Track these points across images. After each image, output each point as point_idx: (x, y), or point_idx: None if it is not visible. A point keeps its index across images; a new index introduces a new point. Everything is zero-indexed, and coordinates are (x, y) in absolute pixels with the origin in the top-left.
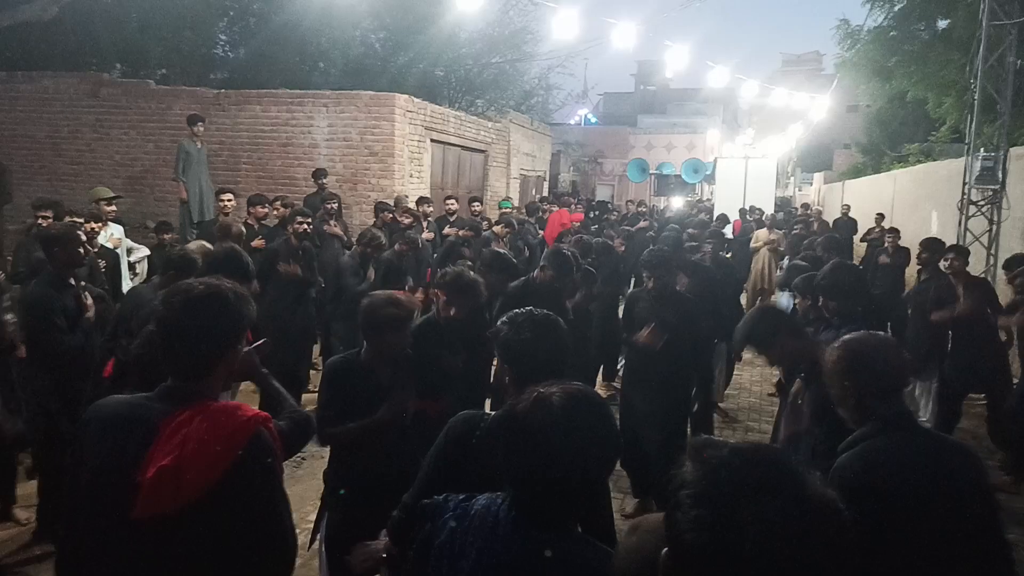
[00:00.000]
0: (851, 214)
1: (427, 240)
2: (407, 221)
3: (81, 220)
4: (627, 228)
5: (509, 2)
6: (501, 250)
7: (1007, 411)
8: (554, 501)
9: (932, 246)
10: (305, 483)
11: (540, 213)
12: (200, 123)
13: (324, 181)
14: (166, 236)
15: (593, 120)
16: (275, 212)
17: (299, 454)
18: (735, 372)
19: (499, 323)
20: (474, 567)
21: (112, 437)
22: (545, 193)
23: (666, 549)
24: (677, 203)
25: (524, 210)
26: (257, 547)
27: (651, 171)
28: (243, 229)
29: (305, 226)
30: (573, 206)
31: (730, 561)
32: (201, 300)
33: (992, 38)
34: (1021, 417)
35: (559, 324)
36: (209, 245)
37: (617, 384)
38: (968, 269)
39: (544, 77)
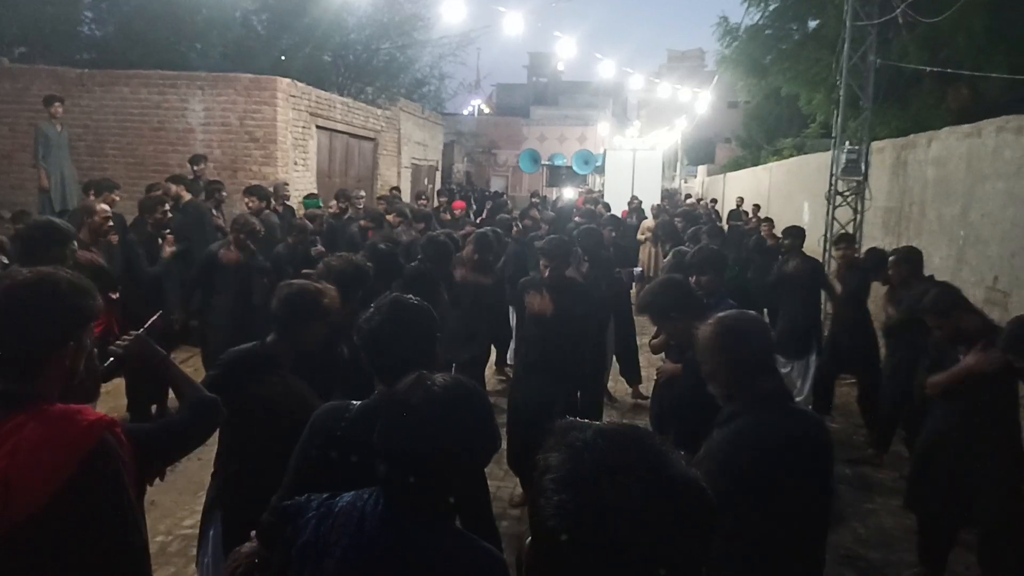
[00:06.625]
0: (741, 206)
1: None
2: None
3: None
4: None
5: None
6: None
7: (876, 391)
8: (429, 483)
9: (795, 233)
10: (179, 488)
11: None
12: (58, 103)
13: (202, 167)
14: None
15: (486, 110)
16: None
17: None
18: None
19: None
20: (340, 565)
21: None
22: (439, 183)
23: (529, 538)
24: (569, 194)
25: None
26: (102, 569)
27: (543, 162)
28: (107, 209)
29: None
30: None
31: (593, 547)
32: (24, 288)
33: (855, 38)
34: (887, 397)
35: (422, 312)
36: None
37: (509, 372)
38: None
39: (436, 66)
